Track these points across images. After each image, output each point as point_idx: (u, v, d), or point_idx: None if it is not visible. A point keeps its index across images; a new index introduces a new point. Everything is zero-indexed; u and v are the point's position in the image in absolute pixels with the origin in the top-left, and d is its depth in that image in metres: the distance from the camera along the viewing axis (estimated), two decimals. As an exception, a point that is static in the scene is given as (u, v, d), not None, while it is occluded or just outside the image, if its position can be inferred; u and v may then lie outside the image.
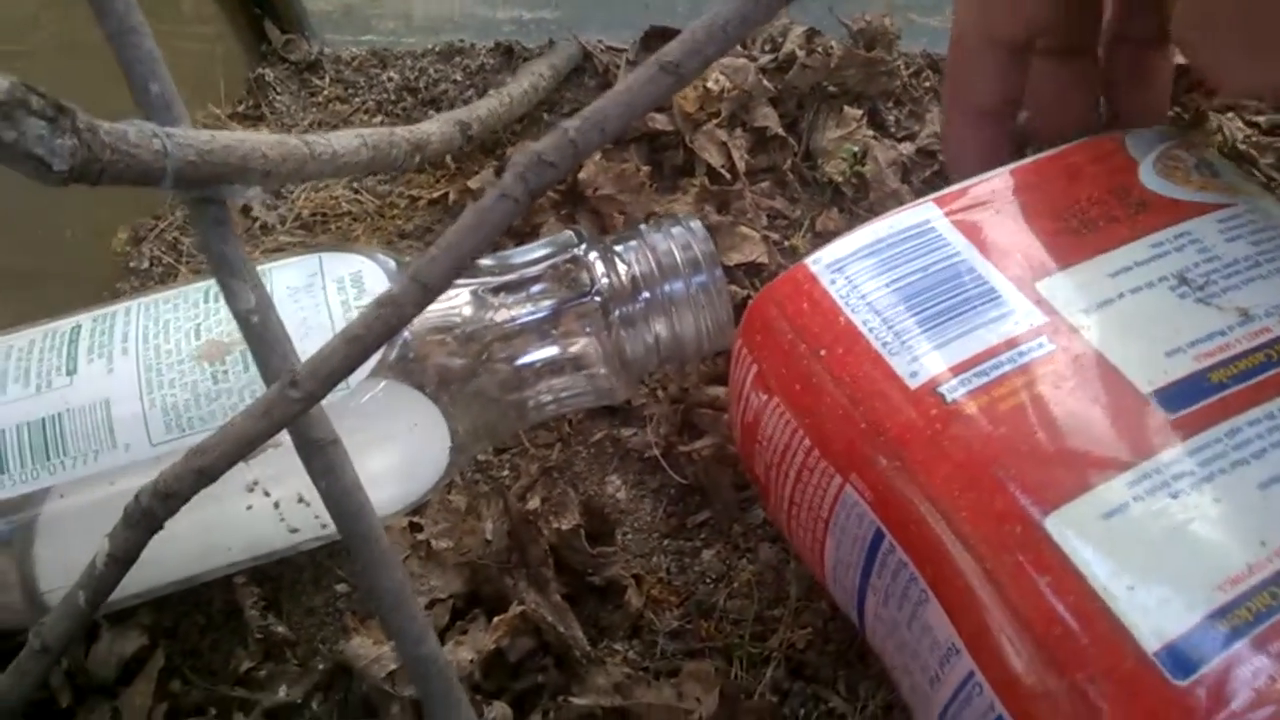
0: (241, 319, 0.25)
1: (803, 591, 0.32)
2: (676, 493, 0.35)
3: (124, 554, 0.25)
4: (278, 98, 0.46)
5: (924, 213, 0.27)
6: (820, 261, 0.27)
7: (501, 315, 0.33)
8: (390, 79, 0.46)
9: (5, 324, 0.33)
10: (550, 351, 0.34)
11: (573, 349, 0.34)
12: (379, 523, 0.26)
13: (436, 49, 0.47)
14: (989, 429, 0.23)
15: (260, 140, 0.25)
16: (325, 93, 0.46)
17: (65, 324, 0.32)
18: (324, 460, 0.26)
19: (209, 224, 0.25)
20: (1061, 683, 0.20)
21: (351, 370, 0.23)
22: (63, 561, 0.30)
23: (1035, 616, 0.21)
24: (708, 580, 0.33)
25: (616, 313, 0.33)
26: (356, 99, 0.46)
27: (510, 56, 0.46)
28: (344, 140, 0.28)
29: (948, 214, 0.27)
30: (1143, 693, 0.19)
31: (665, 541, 0.34)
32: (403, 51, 0.47)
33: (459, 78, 0.46)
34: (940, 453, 0.23)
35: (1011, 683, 0.21)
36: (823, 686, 0.30)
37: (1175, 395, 0.23)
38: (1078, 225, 0.26)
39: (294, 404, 0.23)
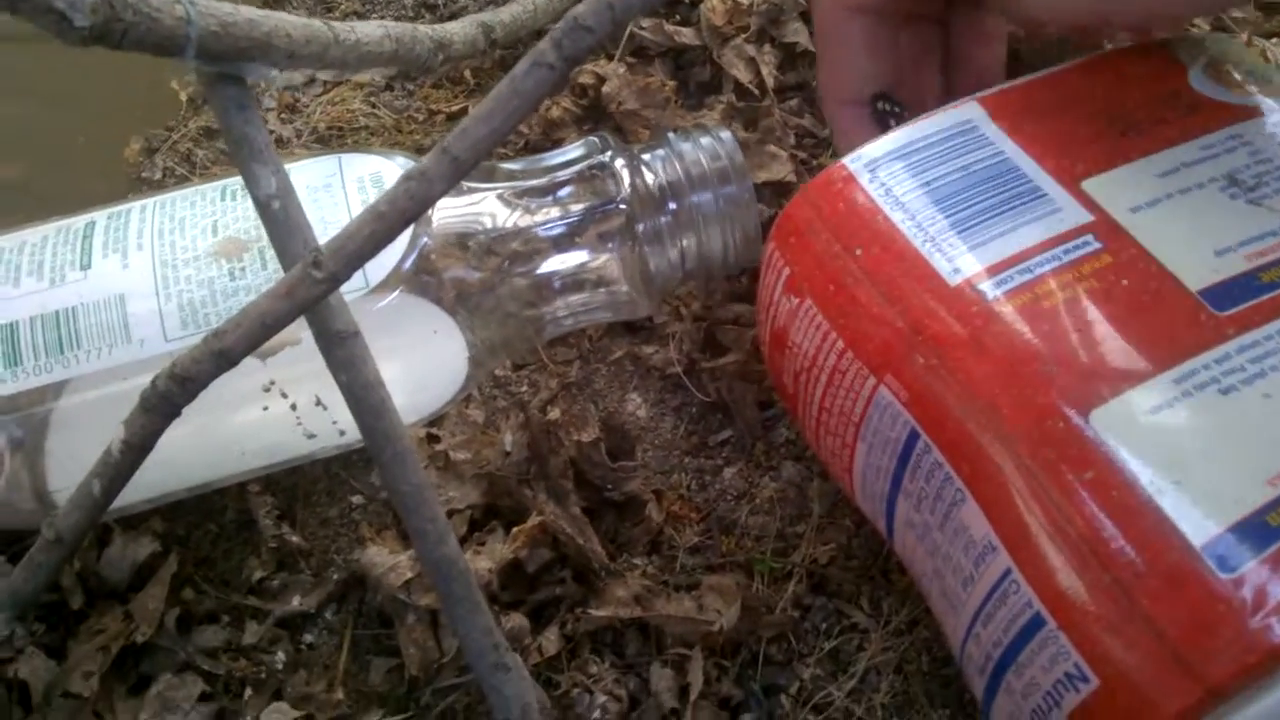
0: (262, 205, 0.24)
1: (826, 509, 0.31)
2: (698, 411, 0.34)
3: (140, 440, 0.24)
4: (294, 11, 0.44)
5: (967, 112, 0.26)
6: (860, 160, 0.26)
7: (525, 221, 0.32)
8: (408, -6, 0.45)
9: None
10: (572, 265, 0.33)
11: (595, 263, 0.33)
12: (400, 421, 0.26)
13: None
14: (1032, 326, 0.22)
15: (285, 19, 0.24)
16: (342, 7, 0.45)
17: (79, 220, 0.31)
18: (345, 352, 0.25)
19: (230, 105, 0.24)
20: (1103, 578, 0.20)
21: (377, 250, 0.22)
22: (74, 459, 0.29)
23: (1077, 512, 0.20)
24: (729, 497, 0.32)
25: (642, 225, 0.33)
26: (374, 15, 0.44)
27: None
28: (368, 30, 0.27)
29: (992, 114, 0.26)
30: (1187, 588, 0.19)
31: (686, 459, 0.33)
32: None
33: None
34: (981, 350, 0.22)
35: (1051, 579, 0.20)
36: (845, 602, 0.30)
37: (1224, 294, 0.22)
38: (1124, 127, 0.26)
39: (317, 284, 0.22)
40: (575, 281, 0.34)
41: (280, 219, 0.24)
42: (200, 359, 0.23)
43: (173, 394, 0.23)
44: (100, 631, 0.30)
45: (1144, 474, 0.20)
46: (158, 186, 0.39)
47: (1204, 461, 0.20)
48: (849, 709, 0.28)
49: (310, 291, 0.22)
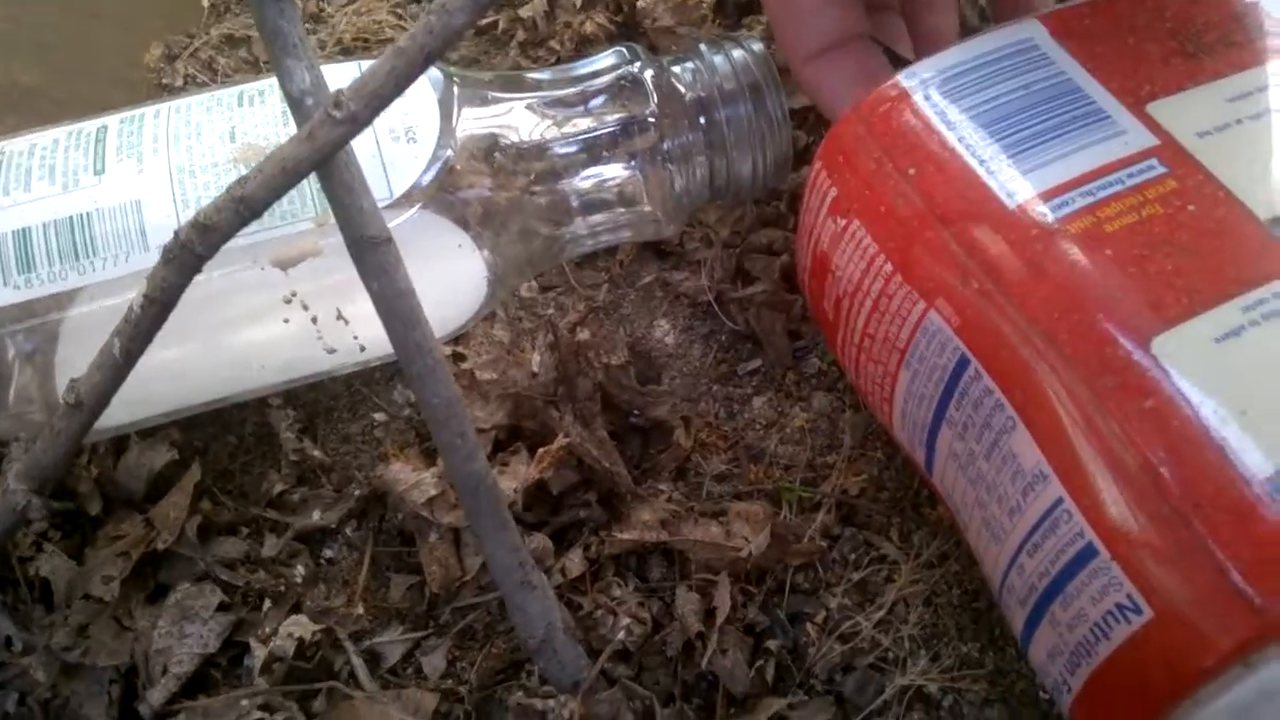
0: (294, 100, 0.23)
1: (857, 440, 0.31)
2: (727, 339, 0.34)
3: (161, 295, 0.23)
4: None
5: (1028, 30, 0.25)
6: (915, 77, 0.25)
7: (552, 133, 0.31)
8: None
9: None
10: (595, 182, 0.32)
11: (619, 180, 0.32)
12: (432, 332, 0.25)
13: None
14: (1094, 251, 0.22)
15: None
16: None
17: (90, 124, 0.30)
18: (377, 259, 0.24)
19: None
20: (1162, 509, 0.19)
21: (399, 91, 0.21)
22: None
23: (1137, 441, 0.20)
24: (757, 426, 0.32)
25: (670, 141, 0.32)
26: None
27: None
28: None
29: (1053, 32, 0.25)
30: (1250, 521, 0.18)
31: (714, 387, 0.33)
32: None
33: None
34: (1040, 274, 0.22)
35: (1105, 509, 0.20)
36: (874, 533, 0.29)
37: (1295, 224, 0.21)
38: (1193, 49, 0.24)
39: (338, 125, 0.21)
40: (598, 199, 0.33)
41: (313, 115, 0.23)
42: (222, 207, 0.22)
43: (193, 243, 0.23)
44: (119, 538, 0.30)
45: (1207, 404, 0.19)
46: (178, 94, 0.38)
47: (1270, 392, 0.19)
48: (876, 639, 0.27)
49: (331, 133, 0.22)
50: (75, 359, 0.29)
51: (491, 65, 0.39)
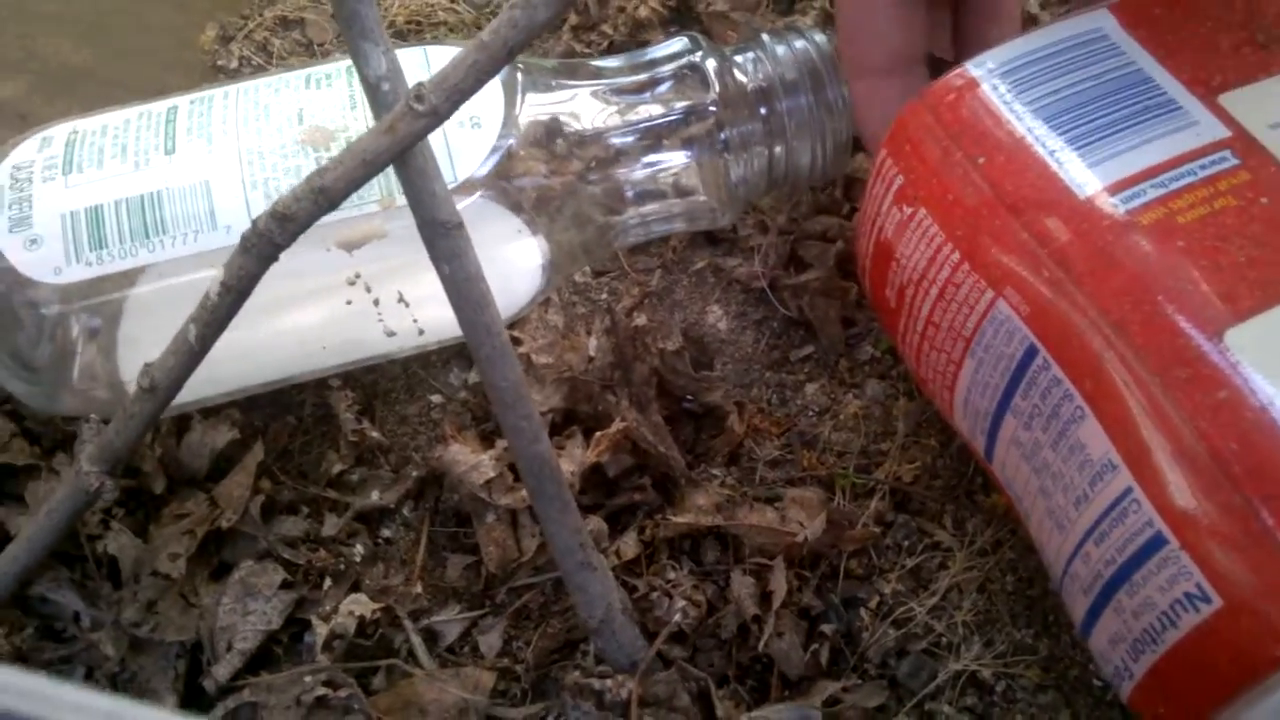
0: (371, 85, 0.24)
1: (911, 428, 0.31)
2: (780, 326, 0.34)
3: (238, 283, 0.24)
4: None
5: (1098, 20, 0.25)
6: (984, 65, 0.25)
7: (615, 120, 0.31)
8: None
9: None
10: (652, 171, 0.32)
11: (676, 169, 0.32)
12: (499, 315, 0.25)
13: None
14: (1165, 242, 0.22)
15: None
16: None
17: (160, 105, 0.30)
18: (449, 244, 0.24)
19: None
20: (1233, 499, 0.19)
21: (479, 84, 0.22)
22: (149, 347, 0.29)
23: (1208, 432, 0.20)
24: (810, 413, 0.32)
25: (729, 131, 0.32)
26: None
27: None
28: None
29: (1124, 22, 0.25)
30: (1324, 512, 0.19)
31: (767, 374, 0.33)
32: None
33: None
34: (1112, 264, 0.22)
35: (1175, 499, 0.20)
36: (928, 520, 0.29)
37: (1370, 216, 0.21)
38: (1265, 39, 0.24)
39: (419, 118, 0.22)
40: (654, 189, 0.33)
41: (389, 101, 0.24)
42: (301, 196, 0.23)
43: (272, 233, 0.23)
44: (183, 516, 0.30)
45: (1279, 396, 0.19)
46: (234, 76, 0.39)
47: (1344, 386, 0.19)
48: (929, 625, 0.28)
49: (412, 126, 0.22)
50: (139, 337, 0.30)
51: (543, 49, 0.39)
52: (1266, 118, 0.23)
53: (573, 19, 0.39)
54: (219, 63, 0.39)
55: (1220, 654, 0.20)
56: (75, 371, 0.30)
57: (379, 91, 0.24)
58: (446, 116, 0.23)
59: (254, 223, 0.24)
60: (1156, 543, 0.20)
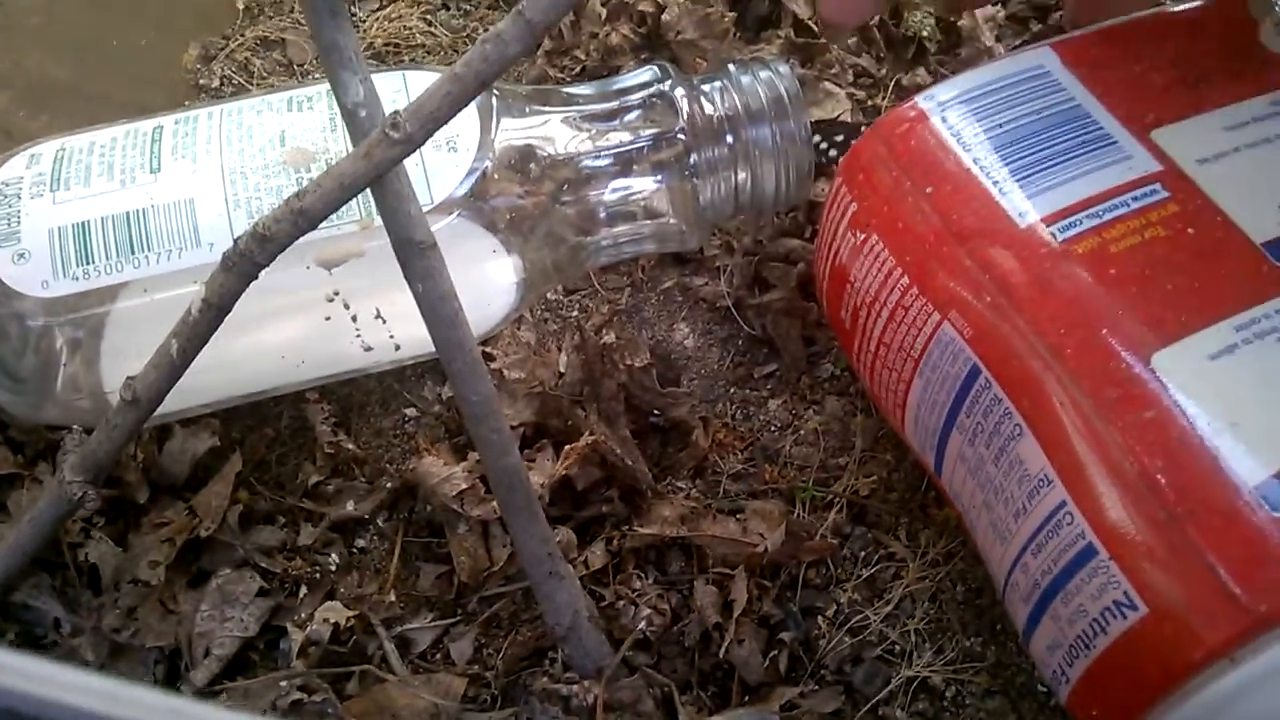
0: (349, 111, 0.25)
1: (868, 443, 0.32)
2: (744, 344, 0.35)
3: (219, 300, 0.25)
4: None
5: (1040, 57, 0.27)
6: (934, 99, 0.26)
7: (586, 145, 0.32)
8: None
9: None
10: (622, 195, 0.34)
11: (645, 193, 0.34)
12: (471, 333, 0.26)
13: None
14: (1099, 269, 0.23)
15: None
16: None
17: (146, 124, 0.31)
18: (423, 263, 0.25)
19: (322, 10, 0.24)
20: (1158, 513, 0.20)
21: (453, 113, 0.23)
22: (131, 359, 0.30)
23: (1136, 449, 0.21)
24: (773, 428, 0.33)
25: (697, 156, 0.33)
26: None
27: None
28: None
29: (1064, 60, 0.26)
30: (1240, 525, 0.20)
31: (731, 390, 0.34)
32: None
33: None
34: (1049, 290, 0.23)
35: (1105, 512, 0.21)
36: (883, 532, 0.31)
37: (1287, 248, 0.23)
38: (1195, 79, 0.26)
39: (394, 145, 0.23)
40: (625, 211, 0.34)
41: (366, 127, 0.25)
42: (280, 218, 0.24)
43: (253, 252, 0.24)
44: (163, 525, 0.31)
45: (1202, 416, 0.21)
46: (215, 94, 0.40)
47: (1260, 406, 0.21)
48: (884, 633, 0.29)
49: (387, 153, 0.23)
50: (122, 349, 0.31)
51: (518, 72, 0.40)
52: (1196, 153, 0.24)
53: (546, 44, 0.40)
54: (201, 81, 0.40)
55: (1146, 659, 0.21)
56: (59, 382, 0.31)
57: (356, 118, 0.25)
58: (421, 143, 0.24)
59: (235, 242, 0.25)
60: (1088, 553, 0.21)
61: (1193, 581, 0.20)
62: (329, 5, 0.24)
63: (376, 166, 0.24)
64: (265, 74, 0.40)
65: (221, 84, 0.40)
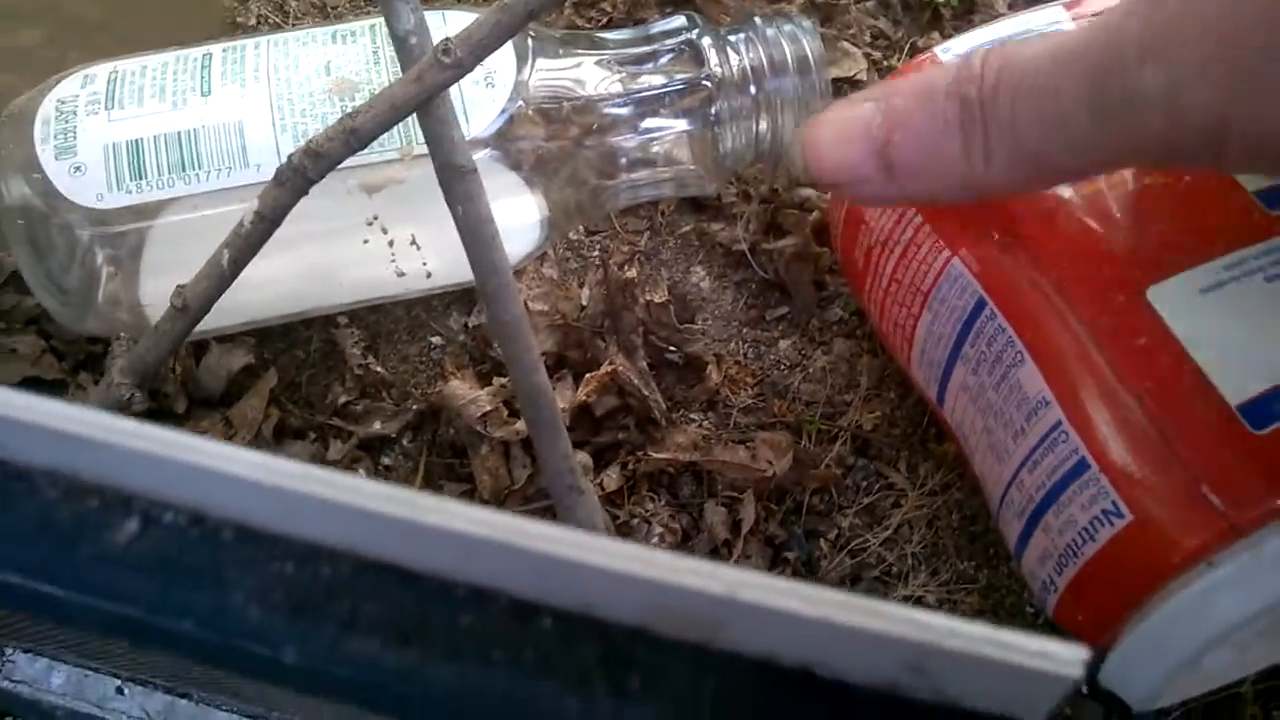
0: (400, 39, 0.26)
1: (873, 382, 0.34)
2: (757, 287, 0.37)
3: (270, 213, 0.26)
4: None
5: (1053, 14, 0.28)
6: (949, 51, 0.28)
7: (617, 88, 0.34)
8: None
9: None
10: (650, 138, 0.35)
11: (668, 139, 0.35)
12: (506, 256, 0.28)
13: None
14: (1100, 211, 0.25)
15: None
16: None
17: (196, 51, 0.33)
18: (464, 186, 0.27)
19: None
20: (1148, 430, 0.22)
21: (501, 41, 0.24)
22: (172, 274, 0.32)
23: (1129, 371, 0.23)
24: (783, 366, 0.35)
25: (720, 105, 0.34)
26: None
27: None
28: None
29: (1074, 16, 0.28)
30: (1224, 441, 0.22)
31: (744, 330, 0.36)
32: None
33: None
34: (1051, 230, 0.25)
35: (1098, 429, 0.23)
36: (885, 464, 0.32)
37: (1276, 196, 0.24)
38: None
39: (445, 70, 0.24)
40: (649, 155, 0.35)
41: (416, 55, 0.26)
42: (333, 136, 0.25)
43: (305, 167, 0.26)
44: (200, 434, 0.33)
45: (1190, 342, 0.23)
46: (252, 33, 0.41)
47: (1244, 336, 0.23)
48: (881, 555, 0.31)
49: (438, 76, 0.24)
50: (161, 265, 0.32)
51: (545, 22, 0.42)
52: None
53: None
54: (238, 19, 0.41)
55: (1131, 563, 0.23)
56: (101, 295, 0.33)
57: (407, 45, 0.26)
58: (470, 69, 0.26)
59: (289, 157, 0.27)
60: (1080, 467, 0.23)
61: (1176, 492, 0.22)
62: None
63: (427, 90, 0.26)
64: (300, 15, 0.41)
65: (258, 23, 0.41)
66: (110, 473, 0.12)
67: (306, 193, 0.27)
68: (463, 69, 0.25)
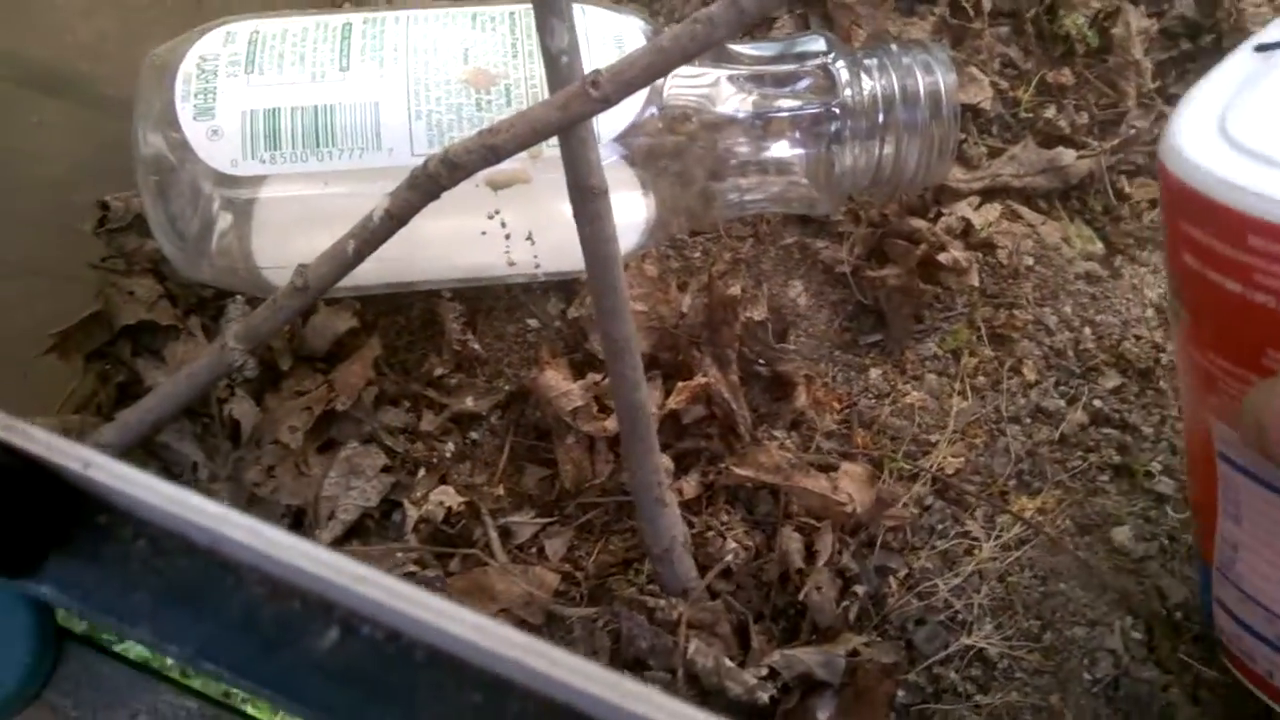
0: (551, 56, 0.26)
1: (961, 426, 0.34)
2: (854, 310, 0.37)
3: (400, 212, 0.27)
4: None
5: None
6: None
7: (749, 109, 0.34)
8: None
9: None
10: (773, 155, 0.35)
11: (793, 156, 0.35)
12: (623, 274, 0.28)
13: None
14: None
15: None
16: None
17: (336, 19, 0.33)
18: (594, 207, 0.27)
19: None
20: None
21: (649, 81, 0.24)
22: (279, 233, 0.32)
23: None
24: (870, 395, 0.35)
25: (847, 128, 0.34)
26: None
27: None
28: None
29: None
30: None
31: (836, 352, 0.36)
32: None
33: None
34: None
35: None
36: (963, 511, 0.33)
37: None
38: None
39: (592, 102, 0.24)
40: (759, 165, 0.35)
41: (565, 76, 0.26)
42: (472, 149, 0.26)
43: (440, 176, 0.26)
44: (302, 393, 0.34)
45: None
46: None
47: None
48: (949, 601, 0.31)
49: (584, 107, 0.25)
50: (274, 227, 0.33)
51: (670, 6, 0.41)
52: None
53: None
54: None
55: None
56: (215, 244, 0.34)
57: (558, 64, 0.26)
58: (615, 104, 0.26)
59: (425, 163, 0.27)
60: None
61: None
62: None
63: (570, 118, 0.26)
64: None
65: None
66: (314, 584, 0.13)
67: (437, 198, 0.27)
68: (608, 104, 0.25)
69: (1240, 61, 0.26)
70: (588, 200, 0.27)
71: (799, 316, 0.37)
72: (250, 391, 0.34)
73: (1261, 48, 0.26)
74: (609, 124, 0.32)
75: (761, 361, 0.35)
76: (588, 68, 0.32)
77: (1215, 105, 0.24)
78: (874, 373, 0.36)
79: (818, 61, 0.34)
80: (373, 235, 0.28)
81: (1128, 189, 0.39)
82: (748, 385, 0.35)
